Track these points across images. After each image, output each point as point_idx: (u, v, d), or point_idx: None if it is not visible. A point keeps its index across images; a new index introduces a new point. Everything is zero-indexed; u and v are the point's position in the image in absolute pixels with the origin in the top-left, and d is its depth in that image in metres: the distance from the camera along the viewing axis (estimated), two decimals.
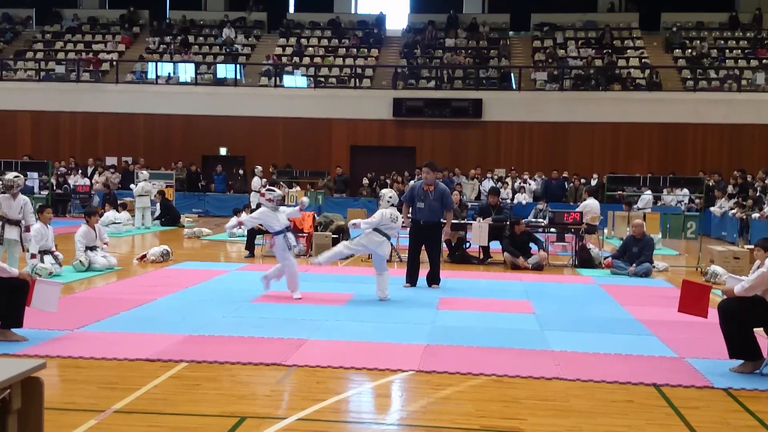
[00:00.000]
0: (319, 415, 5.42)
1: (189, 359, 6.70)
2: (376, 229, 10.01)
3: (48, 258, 11.44)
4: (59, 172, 24.33)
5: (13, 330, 7.13)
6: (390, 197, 10.18)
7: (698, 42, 30.46)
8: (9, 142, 27.82)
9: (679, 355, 7.29)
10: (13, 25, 33.63)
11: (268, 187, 11.10)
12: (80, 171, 25.46)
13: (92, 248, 12.24)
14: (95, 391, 5.80)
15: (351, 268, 13.21)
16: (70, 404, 5.47)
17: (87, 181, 24.41)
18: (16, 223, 10.94)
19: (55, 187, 22.73)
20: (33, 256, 11.17)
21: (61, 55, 31.13)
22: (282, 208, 10.15)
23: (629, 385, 6.26)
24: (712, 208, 20.63)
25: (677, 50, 30.13)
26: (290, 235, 10.01)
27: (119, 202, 20.54)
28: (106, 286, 10.82)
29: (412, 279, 11.22)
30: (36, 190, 22.12)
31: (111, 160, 27.49)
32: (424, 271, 11.21)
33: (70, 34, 32.67)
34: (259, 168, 24.66)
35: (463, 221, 14.75)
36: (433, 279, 11.27)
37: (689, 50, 30.08)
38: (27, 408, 3.45)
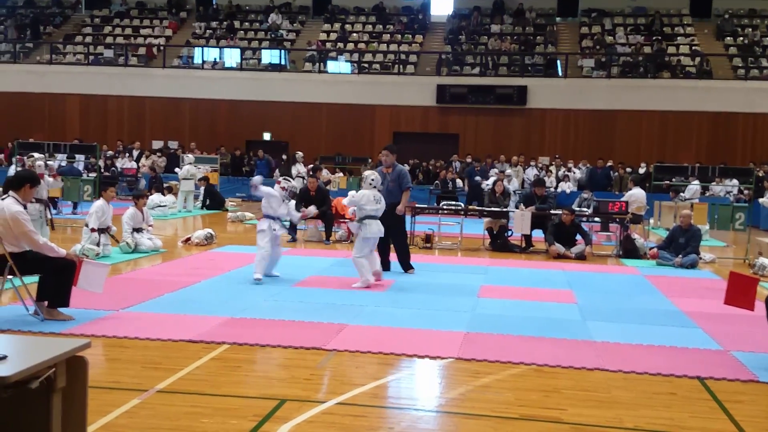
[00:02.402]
0: (358, 399, 5.44)
1: (231, 341, 6.77)
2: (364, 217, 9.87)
3: (104, 236, 11.77)
4: (107, 155, 24.71)
5: (60, 309, 7.27)
6: (372, 179, 10.07)
7: (750, 30, 29.76)
8: (58, 124, 28.39)
9: (725, 348, 7.16)
10: (63, 9, 34.21)
11: (285, 177, 11.32)
12: (127, 154, 25.84)
13: (138, 230, 12.44)
14: (139, 371, 5.89)
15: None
16: (113, 383, 5.56)
17: (134, 164, 24.76)
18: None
19: (102, 170, 23.09)
20: (93, 230, 11.64)
21: (109, 40, 31.59)
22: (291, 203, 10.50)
23: (672, 378, 6.17)
24: (761, 200, 20.21)
25: (729, 38, 29.48)
26: (276, 223, 10.25)
27: (165, 185, 20.80)
28: (151, 268, 10.98)
29: (382, 264, 10.97)
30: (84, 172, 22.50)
31: (157, 144, 27.86)
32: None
33: (119, 18, 33.13)
34: (300, 154, 24.75)
35: (505, 209, 14.66)
36: (403, 264, 11.13)
37: (741, 38, 29.40)
38: (71, 386, 3.49)
